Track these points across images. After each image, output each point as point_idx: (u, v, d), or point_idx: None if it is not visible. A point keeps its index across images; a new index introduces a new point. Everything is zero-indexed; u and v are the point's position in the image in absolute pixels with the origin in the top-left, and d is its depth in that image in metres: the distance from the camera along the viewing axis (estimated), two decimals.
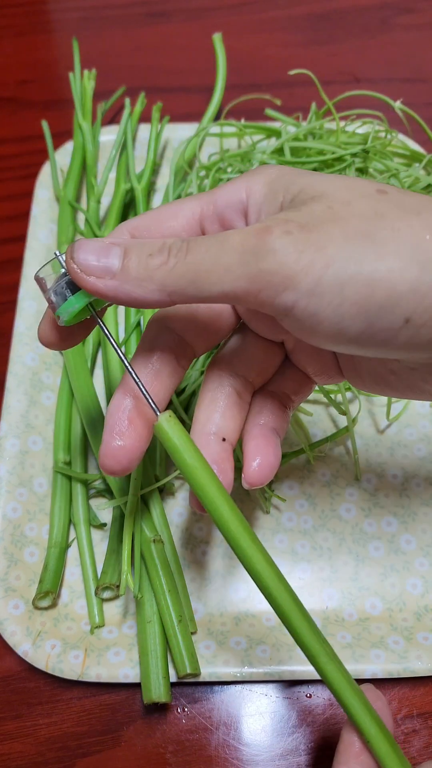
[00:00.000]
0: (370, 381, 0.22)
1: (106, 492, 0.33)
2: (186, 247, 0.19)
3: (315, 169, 0.36)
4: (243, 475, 0.22)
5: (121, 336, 0.36)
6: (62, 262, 0.20)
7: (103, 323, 0.21)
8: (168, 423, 0.20)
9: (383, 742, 0.20)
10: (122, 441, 0.21)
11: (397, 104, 0.37)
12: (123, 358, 0.21)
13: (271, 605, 0.21)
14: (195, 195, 0.22)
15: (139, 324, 0.37)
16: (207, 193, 0.22)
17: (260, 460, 0.22)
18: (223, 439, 0.23)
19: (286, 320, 0.19)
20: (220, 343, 0.24)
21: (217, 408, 0.23)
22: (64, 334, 0.22)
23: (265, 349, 0.24)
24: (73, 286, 0.20)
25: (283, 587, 0.21)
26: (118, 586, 0.30)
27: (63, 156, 0.43)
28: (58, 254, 0.20)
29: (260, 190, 0.20)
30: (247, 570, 0.21)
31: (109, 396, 0.35)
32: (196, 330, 0.23)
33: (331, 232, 0.17)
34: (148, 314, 0.36)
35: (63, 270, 0.20)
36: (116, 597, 0.31)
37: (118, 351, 0.21)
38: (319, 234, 0.17)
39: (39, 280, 0.21)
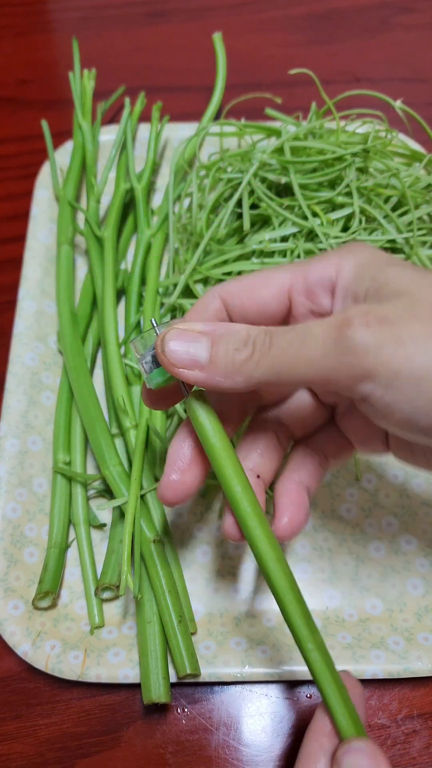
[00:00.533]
0: (423, 460, 0.23)
1: (106, 492, 0.33)
2: (269, 341, 0.20)
3: (315, 169, 0.36)
4: (273, 527, 0.23)
5: (121, 336, 0.36)
6: (157, 332, 0.22)
7: (186, 389, 0.23)
8: (197, 402, 0.22)
9: (351, 729, 0.21)
10: (180, 476, 0.23)
11: (398, 104, 0.37)
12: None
13: (266, 580, 0.22)
14: (287, 265, 0.23)
15: (138, 324, 0.37)
16: (299, 265, 0.22)
17: (290, 517, 0.23)
18: (258, 476, 0.24)
19: (360, 404, 0.20)
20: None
21: (257, 447, 0.24)
22: (155, 398, 0.24)
23: (315, 408, 0.25)
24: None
25: (281, 567, 0.22)
26: (117, 587, 0.30)
27: (63, 156, 0.43)
28: (154, 324, 0.22)
29: (349, 272, 0.21)
30: (249, 542, 0.22)
31: (109, 396, 0.35)
32: (292, 418, 0.25)
33: (411, 329, 0.18)
34: (148, 314, 0.36)
35: (152, 346, 0.22)
36: (116, 597, 0.31)
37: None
38: (400, 330, 0.18)
39: (134, 346, 0.22)
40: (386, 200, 0.35)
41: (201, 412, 0.22)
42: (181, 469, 0.23)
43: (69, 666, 0.28)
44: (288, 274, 0.22)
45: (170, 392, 0.24)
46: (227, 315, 0.23)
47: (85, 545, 0.31)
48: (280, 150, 0.36)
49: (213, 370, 0.20)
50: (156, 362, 0.22)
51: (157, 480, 0.32)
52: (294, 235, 0.34)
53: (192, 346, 0.20)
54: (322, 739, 0.21)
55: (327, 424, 0.26)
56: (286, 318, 0.23)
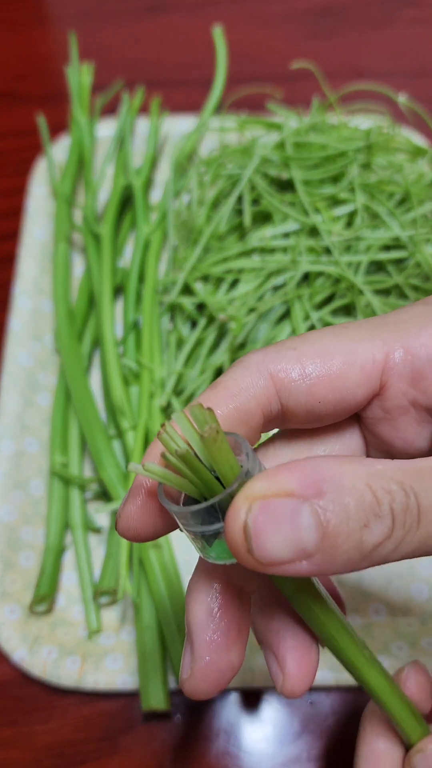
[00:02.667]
0: None
1: (104, 495, 0.33)
2: (416, 505, 0.13)
3: (317, 165, 0.35)
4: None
5: (119, 335, 0.36)
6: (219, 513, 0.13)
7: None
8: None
9: (418, 730, 0.18)
10: (215, 657, 0.15)
11: (401, 98, 0.36)
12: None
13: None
14: (374, 325, 0.15)
15: (137, 324, 0.36)
16: (395, 331, 0.15)
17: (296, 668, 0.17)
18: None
19: None
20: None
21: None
22: (140, 524, 0.15)
23: None
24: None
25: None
26: (115, 591, 0.29)
27: (60, 151, 0.42)
28: (218, 511, 0.13)
29: None
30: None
31: (107, 396, 0.34)
32: None
33: None
34: (148, 314, 0.35)
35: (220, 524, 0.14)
36: (114, 602, 0.30)
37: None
38: None
39: (184, 517, 0.14)
40: (390, 196, 0.35)
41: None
42: (215, 646, 0.15)
43: (66, 672, 0.28)
44: (380, 343, 0.15)
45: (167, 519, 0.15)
46: (278, 403, 0.15)
47: (83, 549, 0.31)
48: (281, 145, 0.35)
49: (327, 559, 0.12)
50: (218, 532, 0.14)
51: None
52: (296, 231, 0.33)
53: (292, 529, 0.12)
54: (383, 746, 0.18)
55: None
56: (368, 404, 0.16)
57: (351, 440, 0.17)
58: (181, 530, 0.14)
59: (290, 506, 0.12)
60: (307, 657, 0.17)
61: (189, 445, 0.14)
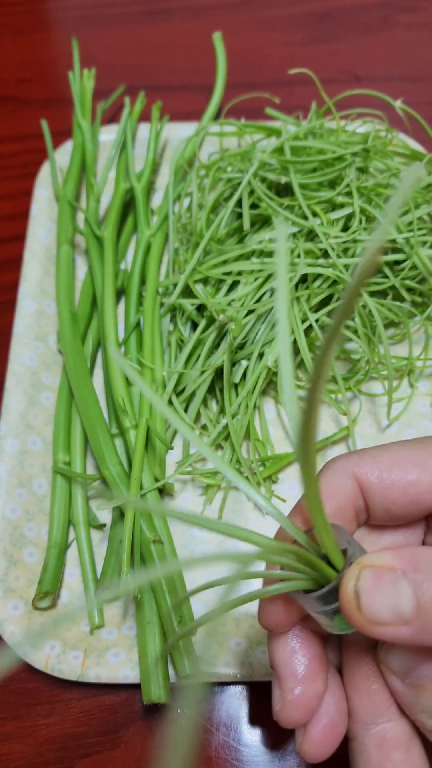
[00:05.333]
0: None
1: (106, 492, 0.33)
2: None
3: (315, 169, 0.35)
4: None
5: (121, 336, 0.36)
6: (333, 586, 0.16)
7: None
8: None
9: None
10: (303, 688, 0.18)
11: (398, 103, 0.37)
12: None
13: None
14: None
15: (138, 325, 0.37)
16: None
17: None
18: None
19: None
20: None
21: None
22: (282, 617, 0.18)
23: None
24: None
25: None
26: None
27: (62, 155, 0.42)
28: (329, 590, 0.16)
29: None
30: None
31: (109, 395, 0.35)
32: None
33: None
34: (149, 315, 0.36)
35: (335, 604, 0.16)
36: (116, 598, 0.31)
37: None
38: None
39: (296, 596, 0.17)
40: (386, 200, 0.35)
41: None
42: (301, 678, 0.18)
43: (69, 666, 0.28)
44: None
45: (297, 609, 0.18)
46: (363, 503, 0.18)
47: (85, 545, 0.31)
48: (280, 150, 0.36)
49: (422, 626, 0.15)
50: (336, 611, 0.16)
51: (157, 480, 0.32)
52: (294, 234, 0.34)
53: (391, 595, 0.15)
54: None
55: None
56: None
57: (413, 535, 0.19)
58: (316, 618, 0.17)
59: (392, 576, 0.15)
60: (337, 727, 0.19)
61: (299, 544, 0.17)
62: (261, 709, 0.29)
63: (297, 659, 0.18)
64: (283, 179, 0.35)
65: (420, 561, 0.15)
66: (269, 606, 0.18)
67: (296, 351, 0.33)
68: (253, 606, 0.31)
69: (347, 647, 0.19)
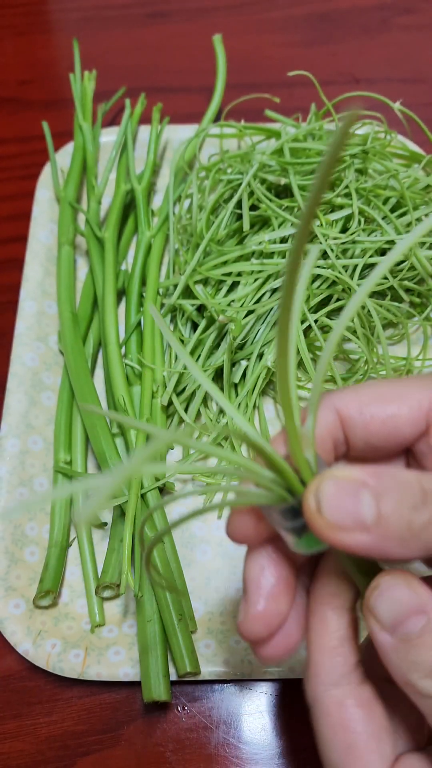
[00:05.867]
0: None
1: None
2: None
3: (314, 170, 0.36)
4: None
5: (121, 336, 0.37)
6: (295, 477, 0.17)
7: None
8: None
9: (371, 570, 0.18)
10: (268, 605, 0.18)
11: (397, 105, 0.37)
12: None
13: None
14: (424, 379, 0.18)
15: (139, 325, 0.37)
16: None
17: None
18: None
19: None
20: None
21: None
22: (248, 528, 0.18)
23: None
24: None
25: None
26: (118, 585, 0.30)
27: (63, 157, 0.43)
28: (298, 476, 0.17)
29: None
30: None
31: (110, 395, 0.35)
32: None
33: None
34: (149, 316, 0.36)
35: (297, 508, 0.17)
36: (116, 596, 0.31)
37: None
38: None
39: (266, 512, 0.17)
40: (385, 201, 0.35)
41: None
42: (264, 594, 0.18)
43: (69, 664, 0.29)
44: (427, 392, 0.18)
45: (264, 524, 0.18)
46: (342, 435, 0.19)
47: (86, 544, 0.31)
48: (279, 151, 0.36)
49: (382, 535, 0.15)
50: (302, 529, 0.17)
51: (157, 479, 0.32)
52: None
53: (352, 501, 0.16)
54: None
55: None
56: (411, 446, 0.19)
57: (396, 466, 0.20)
58: (282, 535, 0.17)
59: (354, 485, 0.16)
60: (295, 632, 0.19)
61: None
62: (261, 707, 0.29)
63: (265, 577, 0.18)
64: (283, 180, 0.35)
65: (384, 475, 0.16)
66: (238, 517, 0.18)
67: (296, 351, 0.34)
68: None
69: (319, 606, 0.19)
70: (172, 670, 0.28)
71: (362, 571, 0.18)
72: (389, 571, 0.17)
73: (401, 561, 0.16)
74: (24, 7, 0.55)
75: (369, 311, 0.33)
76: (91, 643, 0.29)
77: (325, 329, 0.35)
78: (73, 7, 0.56)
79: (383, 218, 0.34)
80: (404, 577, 0.17)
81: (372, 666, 0.19)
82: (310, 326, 0.34)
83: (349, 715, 0.17)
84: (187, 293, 0.36)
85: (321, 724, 0.18)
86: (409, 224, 0.34)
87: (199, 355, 0.34)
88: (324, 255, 0.34)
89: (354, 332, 0.33)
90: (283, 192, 0.37)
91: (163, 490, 0.33)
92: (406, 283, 0.35)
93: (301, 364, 0.35)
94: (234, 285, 0.35)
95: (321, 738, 0.18)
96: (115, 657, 0.29)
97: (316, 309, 0.34)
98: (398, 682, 0.17)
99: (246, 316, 0.33)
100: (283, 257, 0.34)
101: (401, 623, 0.16)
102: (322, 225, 0.34)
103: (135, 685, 0.29)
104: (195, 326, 0.36)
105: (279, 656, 0.19)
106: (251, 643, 0.19)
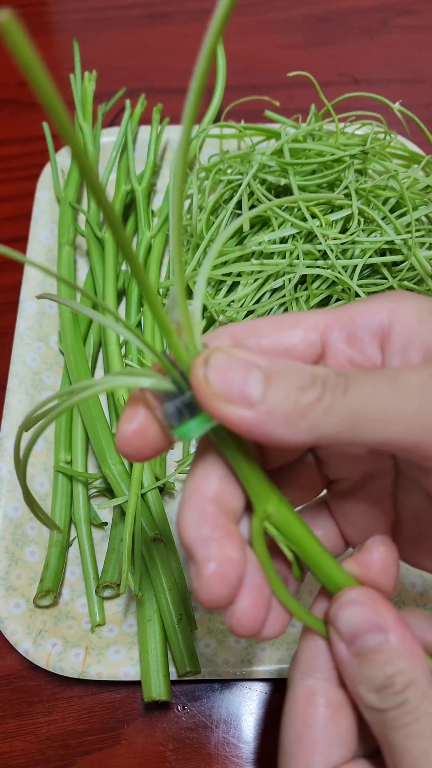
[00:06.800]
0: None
1: (107, 491, 0.33)
2: (345, 382, 0.15)
3: (314, 171, 0.36)
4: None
5: (121, 336, 0.37)
6: (176, 368, 0.16)
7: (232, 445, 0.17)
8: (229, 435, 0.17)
9: (342, 581, 0.17)
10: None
11: (396, 106, 0.37)
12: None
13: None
14: (322, 309, 0.19)
15: (139, 324, 0.37)
16: (337, 309, 0.18)
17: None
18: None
19: (427, 476, 0.17)
20: None
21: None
22: (140, 440, 0.17)
23: (310, 480, 0.20)
24: (194, 406, 0.16)
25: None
26: (118, 585, 0.30)
27: (64, 157, 0.43)
28: (167, 354, 0.16)
29: (411, 317, 0.17)
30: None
31: (110, 395, 0.35)
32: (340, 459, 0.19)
33: None
34: (148, 314, 0.36)
35: (183, 391, 0.16)
36: (117, 596, 0.31)
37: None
38: None
39: (151, 393, 0.16)
40: (385, 202, 0.35)
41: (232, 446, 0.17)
42: (210, 545, 0.16)
43: (70, 664, 0.29)
44: (323, 315, 0.18)
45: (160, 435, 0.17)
46: None
47: (86, 544, 0.32)
48: (279, 152, 0.36)
49: (267, 412, 0.15)
50: (188, 410, 0.16)
51: (158, 479, 0.32)
52: (293, 236, 0.34)
53: (241, 375, 0.15)
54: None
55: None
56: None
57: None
58: (162, 419, 0.17)
59: (245, 363, 0.16)
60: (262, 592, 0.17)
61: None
62: (261, 706, 0.29)
63: (211, 534, 0.17)
64: (283, 181, 0.35)
65: (281, 365, 0.16)
66: (126, 423, 0.17)
67: None
68: None
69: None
70: (172, 669, 0.28)
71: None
72: (356, 588, 0.17)
73: (284, 446, 0.16)
74: (24, 8, 0.55)
75: None
76: (92, 643, 0.29)
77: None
78: (73, 9, 0.56)
79: (383, 219, 0.34)
80: (370, 595, 0.17)
81: None
82: None
83: (312, 710, 0.17)
84: (187, 294, 0.36)
85: (286, 707, 0.18)
86: (408, 225, 0.34)
87: None
88: (324, 255, 0.34)
89: None
90: (283, 192, 0.37)
91: (163, 490, 0.33)
92: (405, 283, 0.35)
93: None
94: (234, 285, 0.35)
95: (282, 719, 0.18)
96: (115, 656, 0.29)
97: (316, 308, 0.34)
98: (350, 692, 0.17)
99: (246, 316, 0.33)
100: (283, 257, 0.34)
101: (358, 637, 0.16)
102: (321, 225, 0.34)
103: (135, 685, 0.29)
104: None
105: (257, 615, 0.17)
106: (223, 612, 0.17)
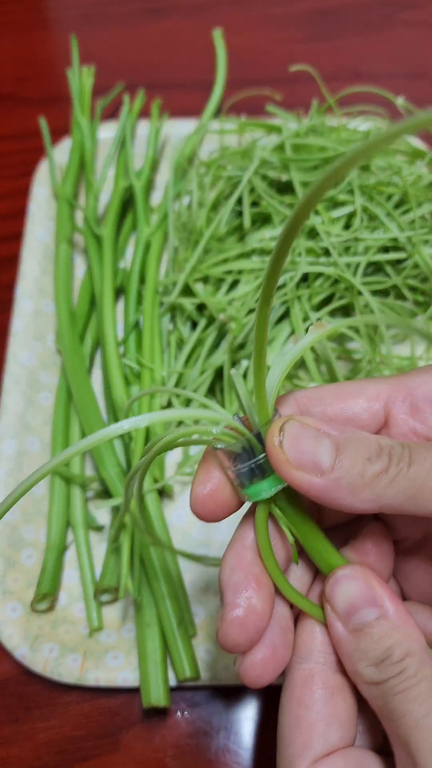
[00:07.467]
0: None
1: (105, 494, 0.33)
2: (408, 456, 0.16)
3: (316, 167, 0.35)
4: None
5: (120, 335, 0.36)
6: (250, 434, 0.17)
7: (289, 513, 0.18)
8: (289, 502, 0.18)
9: (336, 560, 0.18)
10: (246, 612, 0.18)
11: (400, 100, 0.37)
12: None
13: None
14: (382, 377, 0.19)
15: (138, 324, 0.36)
16: (399, 377, 0.19)
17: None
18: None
19: None
20: None
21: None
22: (214, 503, 0.18)
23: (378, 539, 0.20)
24: (264, 468, 0.17)
25: None
26: (117, 589, 0.30)
27: (61, 153, 0.42)
28: (242, 419, 0.17)
29: None
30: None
31: (108, 395, 0.34)
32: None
33: None
34: (149, 314, 0.36)
35: (255, 453, 0.17)
36: (115, 600, 0.30)
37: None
38: None
39: (225, 452, 0.18)
40: (388, 198, 0.35)
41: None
42: (239, 589, 0.18)
43: (68, 669, 0.28)
44: (385, 385, 0.19)
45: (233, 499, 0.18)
46: None
47: (84, 547, 0.31)
48: (280, 147, 0.35)
49: (336, 481, 0.16)
50: (260, 471, 0.17)
51: (156, 481, 0.32)
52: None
53: (313, 443, 0.16)
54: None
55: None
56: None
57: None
58: (234, 479, 0.18)
59: (316, 432, 0.17)
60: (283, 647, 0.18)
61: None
62: (261, 713, 0.29)
63: (241, 581, 0.18)
64: (284, 177, 0.34)
65: (350, 435, 0.17)
66: (199, 486, 0.18)
67: None
68: None
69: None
70: (171, 675, 0.28)
71: (324, 559, 0.18)
72: (350, 564, 0.18)
73: (349, 511, 0.17)
74: (22, 3, 0.55)
75: (372, 310, 0.33)
76: (90, 648, 0.29)
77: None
78: (71, 4, 0.55)
79: (386, 215, 0.34)
80: (363, 571, 0.18)
81: None
82: (312, 325, 0.33)
83: (309, 693, 0.18)
84: (187, 291, 0.36)
85: (283, 693, 0.18)
86: (412, 221, 0.34)
87: (199, 355, 0.34)
88: (326, 252, 0.33)
89: (357, 331, 0.33)
90: (284, 189, 0.36)
91: (162, 493, 0.33)
92: (409, 281, 0.34)
93: (302, 363, 0.34)
94: (234, 283, 0.34)
95: (280, 705, 0.18)
96: (113, 662, 0.28)
97: (318, 307, 0.34)
98: (348, 672, 0.17)
99: (247, 314, 0.33)
100: None
101: (354, 613, 0.17)
102: (324, 222, 0.33)
103: (134, 691, 0.29)
104: (195, 325, 0.36)
105: (264, 671, 0.18)
106: (238, 655, 0.18)
